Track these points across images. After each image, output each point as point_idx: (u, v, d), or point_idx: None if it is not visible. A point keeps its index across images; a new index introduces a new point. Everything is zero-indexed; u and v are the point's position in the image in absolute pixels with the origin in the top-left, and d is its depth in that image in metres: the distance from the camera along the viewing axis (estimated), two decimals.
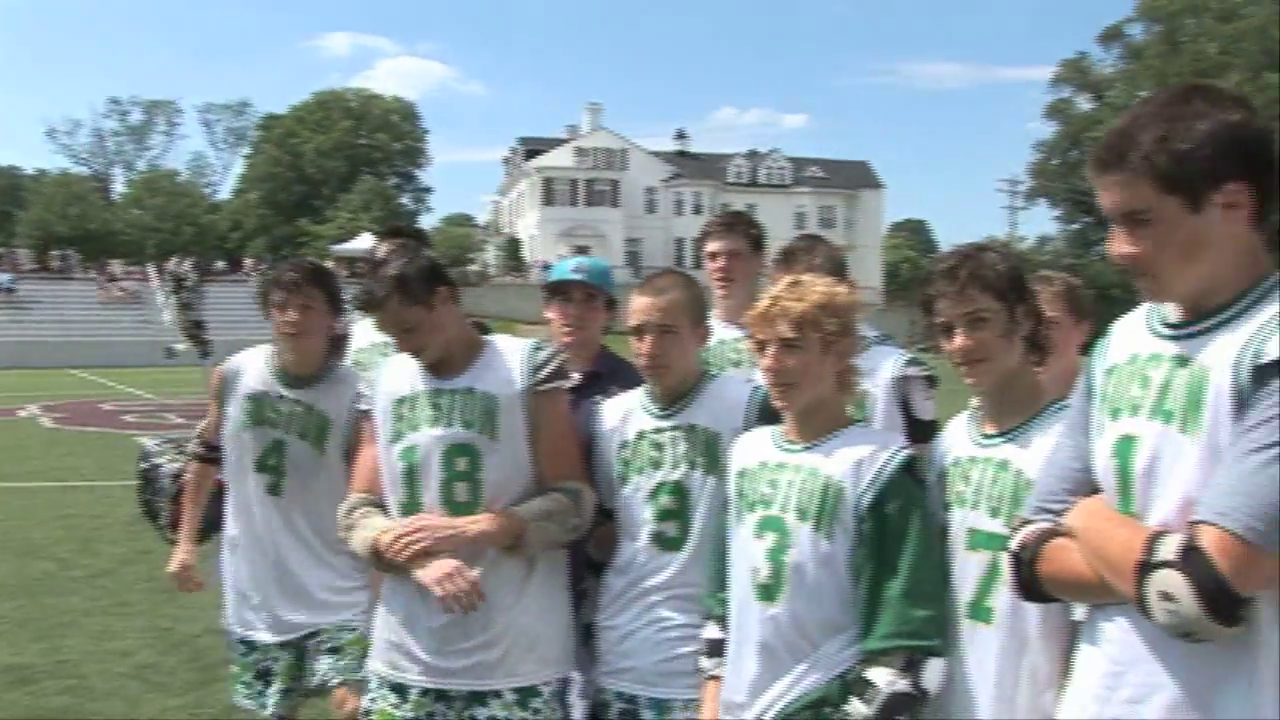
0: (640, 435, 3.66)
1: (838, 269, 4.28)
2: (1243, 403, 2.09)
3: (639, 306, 3.64)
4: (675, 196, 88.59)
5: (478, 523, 3.49)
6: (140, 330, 55.76)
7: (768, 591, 3.09)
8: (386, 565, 3.57)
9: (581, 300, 4.20)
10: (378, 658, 3.69)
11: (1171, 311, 2.33)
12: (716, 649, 3.31)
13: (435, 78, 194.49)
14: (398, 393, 3.67)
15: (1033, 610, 2.78)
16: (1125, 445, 2.31)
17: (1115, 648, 2.33)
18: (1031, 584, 2.48)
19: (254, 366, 4.49)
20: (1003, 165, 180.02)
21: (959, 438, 3.13)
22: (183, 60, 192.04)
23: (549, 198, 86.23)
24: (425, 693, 3.56)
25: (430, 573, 3.44)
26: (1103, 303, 3.82)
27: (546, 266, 65.80)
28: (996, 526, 2.85)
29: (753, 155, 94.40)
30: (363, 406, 3.85)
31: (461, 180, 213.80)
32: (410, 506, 3.58)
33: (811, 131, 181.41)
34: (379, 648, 3.69)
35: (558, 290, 4.24)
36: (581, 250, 76.98)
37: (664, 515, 3.58)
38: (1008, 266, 2.97)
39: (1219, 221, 2.18)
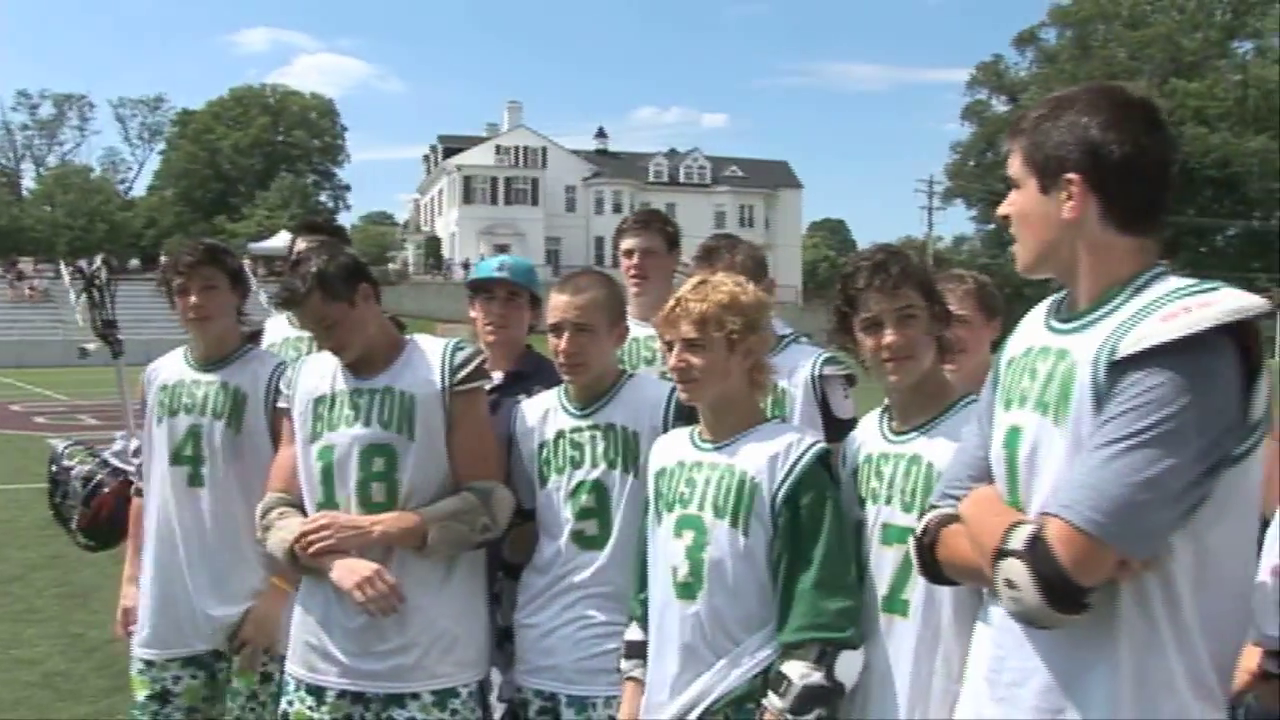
0: (559, 434, 3.66)
1: (757, 268, 4.31)
2: (1100, 398, 2.16)
3: (557, 305, 3.65)
4: (595, 195, 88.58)
5: (381, 522, 3.47)
6: (52, 330, 54.80)
7: (688, 590, 3.11)
8: (303, 568, 3.55)
9: (505, 299, 4.19)
10: (294, 660, 3.65)
11: (1065, 306, 2.40)
12: (636, 650, 3.32)
13: (355, 75, 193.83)
14: (316, 392, 3.65)
15: (946, 603, 2.85)
16: (1013, 435, 2.37)
17: (998, 633, 2.41)
18: (932, 567, 2.56)
19: (167, 364, 4.35)
20: (920, 166, 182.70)
21: (871, 434, 3.18)
22: (95, 53, 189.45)
23: (468, 196, 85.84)
24: (342, 695, 3.53)
25: (348, 577, 3.42)
26: (1017, 301, 3.87)
27: (466, 265, 65.69)
28: (910, 521, 2.88)
29: (673, 154, 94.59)
30: (281, 405, 3.80)
31: (380, 178, 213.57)
32: (327, 507, 3.55)
33: (731, 131, 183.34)
34: (295, 650, 3.65)
35: (481, 289, 4.23)
36: (501, 249, 76.71)
37: (584, 514, 3.58)
38: (923, 267, 3.08)
39: (1061, 208, 2.28)
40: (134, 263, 69.47)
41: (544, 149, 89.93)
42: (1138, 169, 2.25)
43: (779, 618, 3.04)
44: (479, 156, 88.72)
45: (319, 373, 3.69)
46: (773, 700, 2.96)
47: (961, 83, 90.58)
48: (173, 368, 4.30)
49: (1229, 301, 2.11)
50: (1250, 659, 2.91)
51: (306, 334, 5.03)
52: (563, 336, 3.60)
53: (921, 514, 2.75)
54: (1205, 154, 75.90)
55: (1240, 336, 2.12)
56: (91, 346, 4.28)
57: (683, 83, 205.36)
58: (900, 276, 2.97)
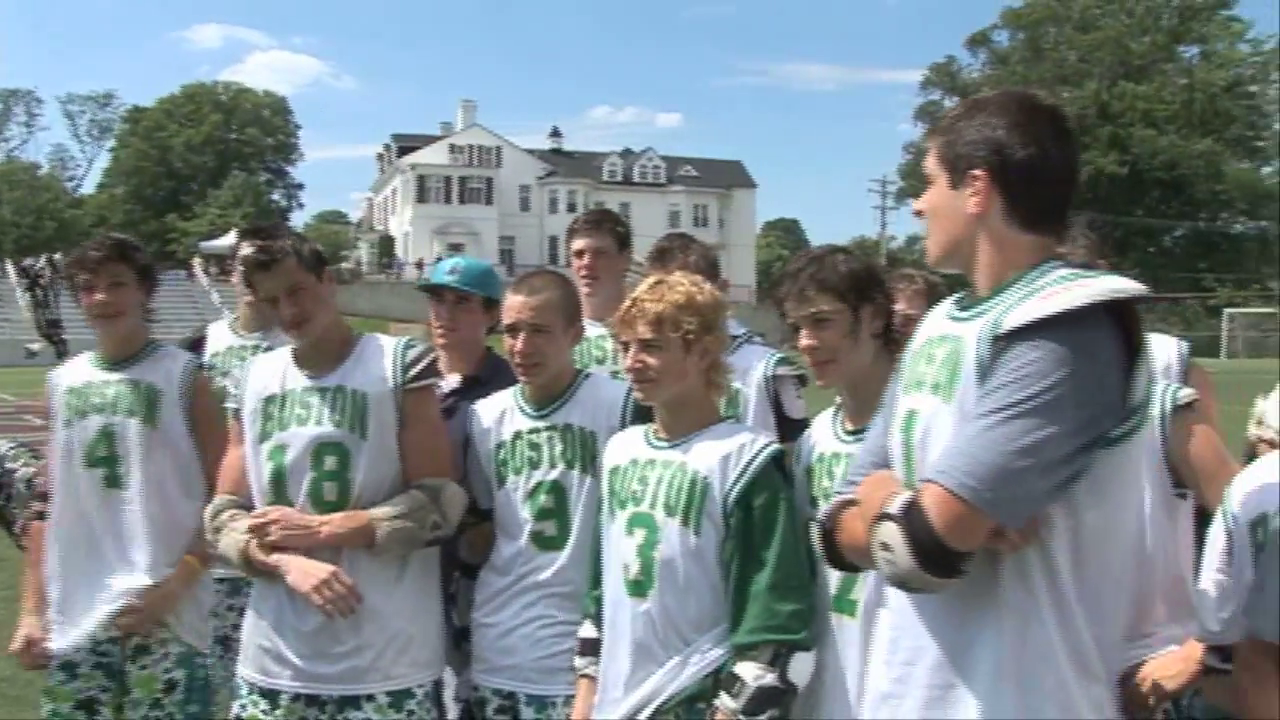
0: (517, 435, 3.66)
1: (711, 267, 4.33)
2: (983, 372, 2.24)
3: (512, 305, 3.65)
4: (550, 195, 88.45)
5: (330, 523, 3.45)
6: None
7: (639, 587, 3.12)
8: (255, 570, 3.52)
9: (453, 302, 4.17)
10: (247, 663, 3.62)
11: (966, 297, 2.49)
12: (590, 648, 3.33)
13: (308, 72, 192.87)
14: (267, 391, 3.62)
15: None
16: (910, 419, 2.45)
17: (893, 614, 2.48)
18: (835, 553, 2.61)
19: (72, 368, 4.26)
20: (874, 166, 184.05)
21: (824, 434, 3.23)
22: (43, 48, 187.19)
23: (422, 195, 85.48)
24: (296, 698, 3.51)
25: (305, 579, 3.41)
26: None
27: (420, 265, 65.46)
28: None
29: (627, 154, 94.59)
30: (231, 405, 3.77)
31: (334, 177, 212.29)
32: (280, 506, 3.52)
33: (685, 131, 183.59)
34: (248, 653, 3.62)
35: (431, 292, 4.22)
36: (455, 248, 76.53)
37: (543, 514, 3.59)
38: (850, 269, 3.12)
39: (966, 203, 2.38)
40: None
41: (498, 148, 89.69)
42: (1040, 170, 2.35)
43: (732, 619, 3.05)
44: (433, 155, 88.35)
45: (269, 372, 3.66)
46: (725, 701, 2.97)
47: (915, 84, 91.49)
48: (78, 370, 4.21)
49: (1107, 283, 2.22)
50: (1191, 655, 2.97)
51: (250, 342, 5.01)
52: (518, 337, 3.61)
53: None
54: (1153, 156, 76.96)
55: (1121, 320, 2.22)
56: (37, 346, 4.19)
57: (637, 82, 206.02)
58: (808, 282, 3.08)
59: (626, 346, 3.19)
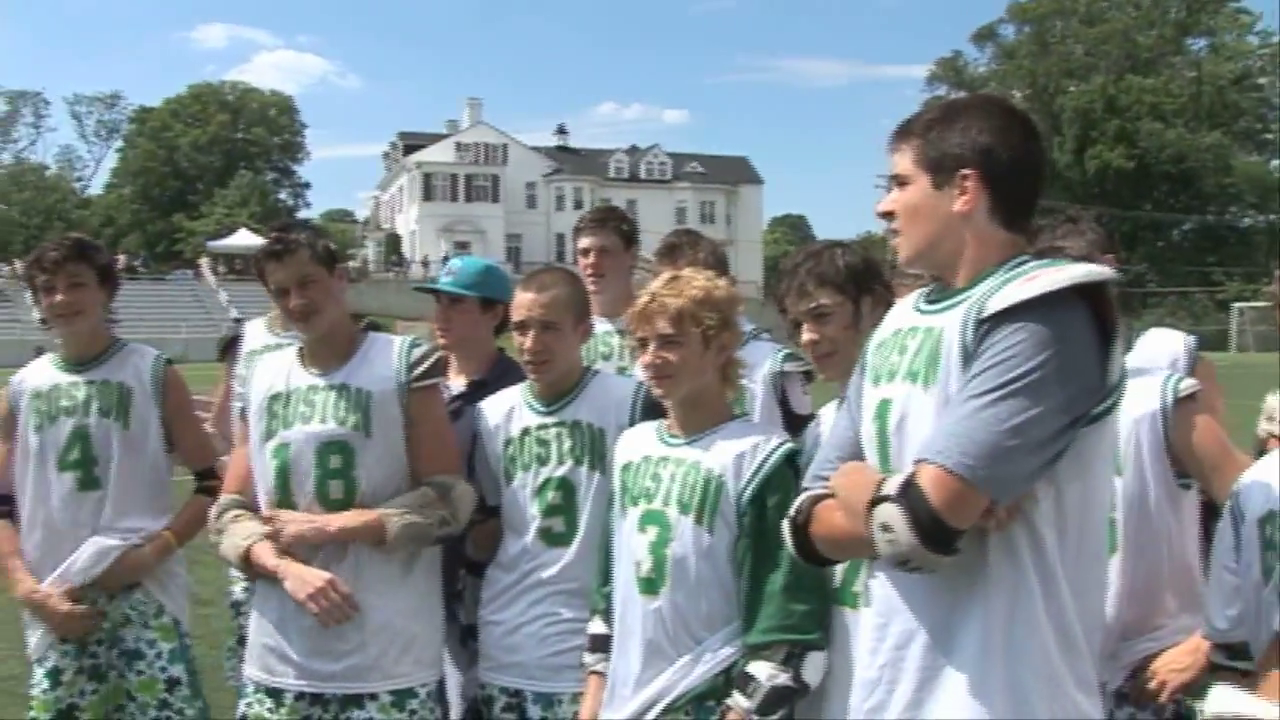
0: (525, 432, 3.66)
1: (719, 263, 4.33)
2: (967, 355, 2.31)
3: (521, 303, 3.65)
4: (556, 192, 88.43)
5: (340, 518, 3.46)
6: (8, 329, 54.20)
7: (650, 585, 3.11)
8: (256, 572, 3.53)
9: (447, 304, 4.17)
10: (252, 662, 3.62)
11: (933, 291, 2.55)
12: (599, 644, 3.33)
13: (314, 71, 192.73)
14: (272, 389, 3.62)
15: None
16: (883, 407, 2.50)
17: (879, 602, 2.50)
18: (806, 547, 2.61)
19: (35, 371, 4.23)
20: (881, 161, 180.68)
21: (828, 427, 3.19)
22: (50, 49, 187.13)
23: (429, 193, 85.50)
24: (300, 697, 3.51)
25: (301, 588, 3.41)
26: None
27: (425, 263, 65.44)
28: None
29: (633, 151, 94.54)
30: (238, 405, 3.77)
31: (340, 176, 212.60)
32: (284, 504, 3.54)
33: (692, 127, 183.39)
34: (253, 652, 3.63)
35: (432, 293, 4.24)
36: (462, 246, 76.59)
37: (551, 511, 3.58)
38: (848, 262, 3.15)
39: (952, 202, 2.44)
40: None
41: (504, 146, 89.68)
42: (1022, 170, 2.46)
43: (745, 618, 3.04)
44: (439, 153, 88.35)
45: (275, 371, 3.67)
46: (738, 700, 2.96)
47: (921, 78, 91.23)
48: (42, 374, 4.18)
49: (1082, 268, 2.33)
50: (1200, 646, 2.97)
51: (286, 341, 5.01)
52: (528, 335, 3.60)
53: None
54: (1161, 149, 76.71)
55: (1095, 304, 2.29)
56: (60, 343, 4.18)
57: (644, 79, 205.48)
58: (807, 277, 3.10)
59: (643, 343, 3.18)
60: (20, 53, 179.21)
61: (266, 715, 3.54)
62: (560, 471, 3.59)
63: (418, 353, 3.61)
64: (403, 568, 3.54)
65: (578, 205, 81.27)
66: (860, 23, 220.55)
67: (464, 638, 3.82)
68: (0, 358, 46.69)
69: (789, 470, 3.07)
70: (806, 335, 3.11)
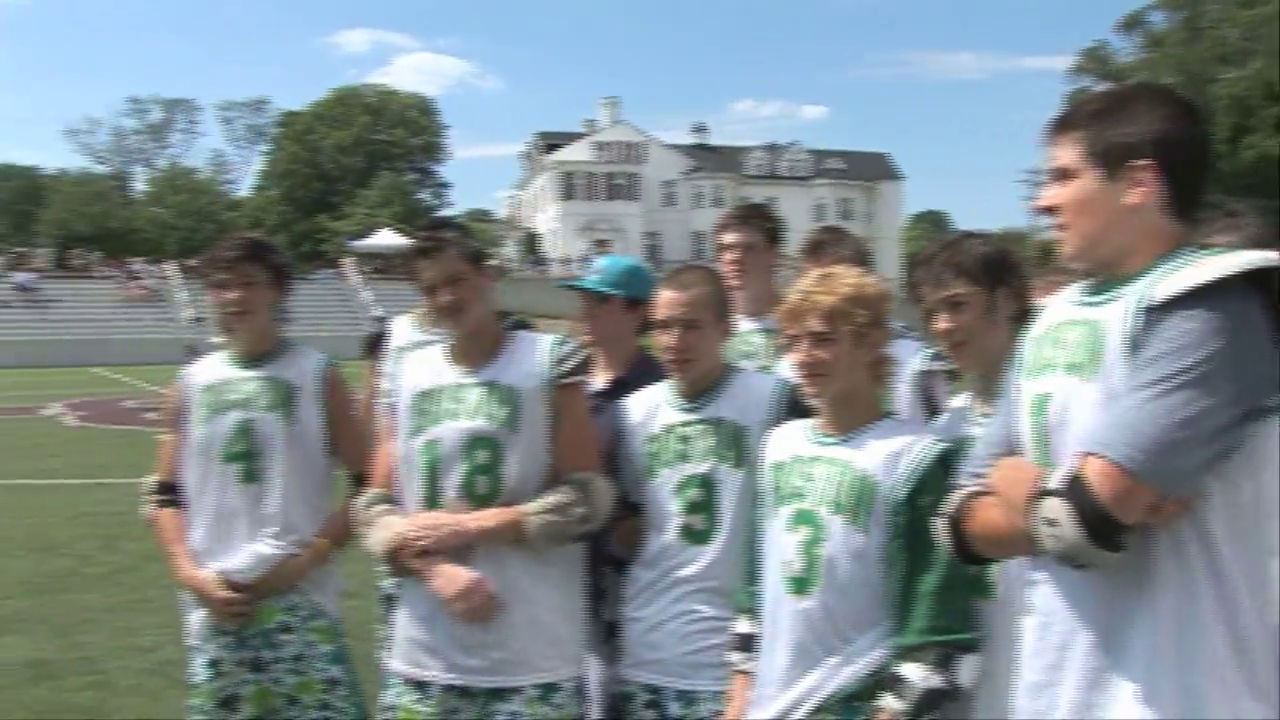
0: (667, 429, 3.66)
1: (863, 261, 4.29)
2: (1134, 344, 2.24)
3: (663, 301, 3.66)
4: (694, 190, 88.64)
5: (479, 519, 3.49)
6: (161, 328, 56.03)
7: (800, 585, 3.07)
8: (401, 569, 3.58)
9: (593, 302, 4.22)
10: (398, 655, 3.67)
11: (1092, 284, 2.48)
12: (745, 644, 3.30)
13: (454, 73, 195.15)
14: (420, 386, 3.67)
15: (1021, 581, 2.79)
16: (1040, 402, 2.44)
17: (1041, 601, 2.44)
18: (963, 545, 2.57)
19: (207, 365, 4.34)
20: (1023, 155, 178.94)
21: (960, 417, 3.22)
22: (201, 58, 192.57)
23: (568, 192, 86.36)
24: (446, 689, 3.54)
25: (448, 586, 3.46)
26: None
27: (566, 261, 65.97)
28: None
29: (772, 148, 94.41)
30: (386, 401, 3.82)
31: (480, 175, 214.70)
32: (431, 500, 3.57)
33: (831, 123, 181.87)
34: (399, 646, 3.68)
35: (577, 291, 4.28)
36: (601, 244, 77.18)
37: (692, 508, 3.57)
38: (985, 252, 3.12)
39: (1125, 195, 2.36)
40: None
41: (642, 144, 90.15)
42: (1196, 159, 2.40)
43: (899, 619, 2.99)
44: (578, 152, 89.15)
45: (424, 367, 3.71)
46: (890, 702, 2.92)
47: (1063, 70, 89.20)
48: (213, 368, 4.28)
49: (1256, 254, 2.22)
50: None
51: (432, 337, 5.08)
52: (670, 333, 3.61)
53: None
54: None
55: (1266, 294, 2.21)
56: (220, 340, 4.29)
57: (781, 75, 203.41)
58: (943, 266, 3.07)
59: (795, 341, 3.15)
60: (174, 62, 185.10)
61: (412, 707, 3.58)
62: (702, 469, 3.58)
63: (564, 350, 3.63)
64: (549, 564, 3.56)
65: (716, 203, 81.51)
66: (1000, 14, 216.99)
67: (607, 634, 3.83)
68: (153, 356, 48.45)
69: (942, 470, 3.01)
70: (941, 324, 3.09)
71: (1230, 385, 2.14)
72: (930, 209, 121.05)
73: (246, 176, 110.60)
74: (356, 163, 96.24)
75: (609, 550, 3.83)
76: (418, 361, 3.77)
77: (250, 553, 4.07)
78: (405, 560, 3.53)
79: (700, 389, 3.66)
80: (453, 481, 3.55)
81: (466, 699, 3.53)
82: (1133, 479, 2.13)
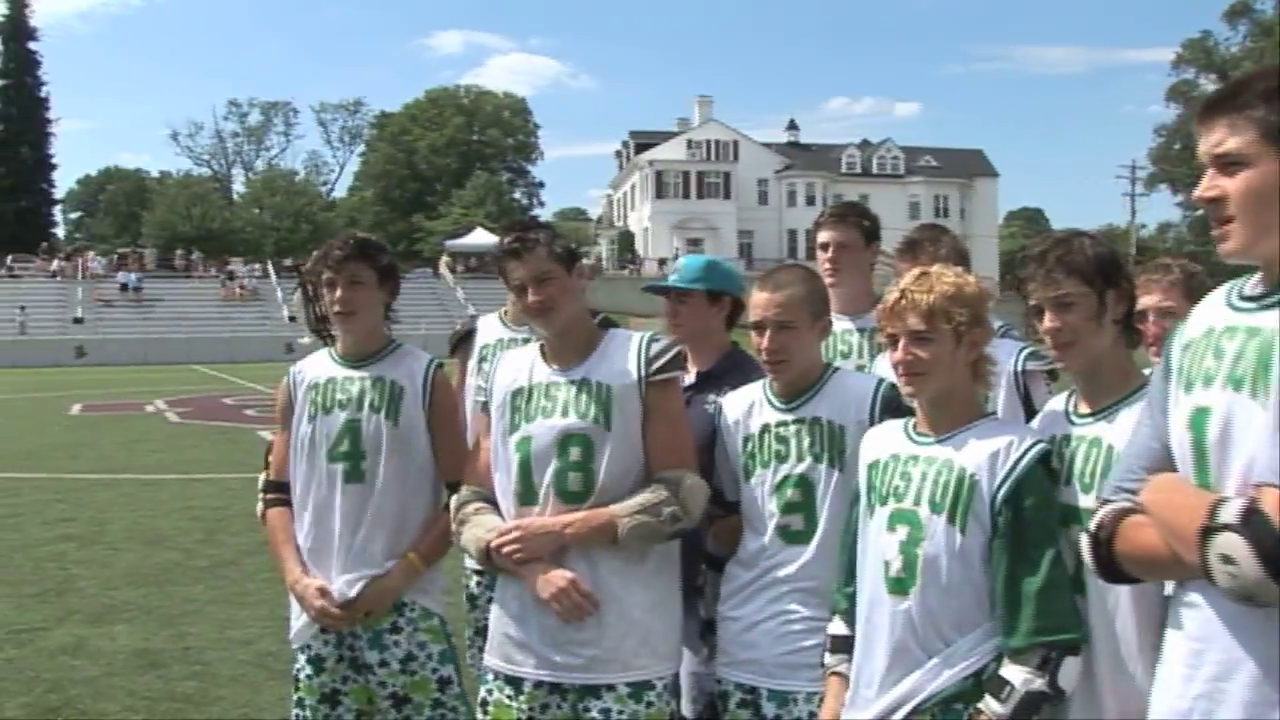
0: (764, 429, 3.65)
1: (961, 259, 4.26)
2: None
3: (757, 302, 3.65)
4: (788, 188, 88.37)
5: (572, 524, 3.49)
6: (260, 326, 57.15)
7: (900, 585, 3.05)
8: (496, 566, 3.61)
9: (675, 299, 4.23)
10: (493, 652, 3.70)
11: (1250, 286, 2.29)
12: (841, 645, 3.28)
13: (547, 73, 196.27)
14: (514, 385, 3.69)
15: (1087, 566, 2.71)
16: (1199, 416, 2.25)
17: (1195, 625, 2.26)
18: (1110, 564, 2.44)
19: (314, 363, 4.32)
20: (1122, 151, 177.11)
21: (1057, 417, 3.16)
22: (298, 61, 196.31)
23: (661, 190, 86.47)
24: (539, 685, 3.56)
25: (545, 587, 3.48)
26: None
27: (663, 261, 66.06)
28: (1089, 502, 2.86)
29: (865, 145, 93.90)
30: (480, 399, 3.86)
31: (573, 174, 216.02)
32: (525, 497, 3.59)
33: (924, 120, 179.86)
34: (494, 642, 3.70)
35: (661, 293, 4.31)
36: (694, 243, 77.25)
37: (789, 508, 3.56)
38: (1096, 252, 3.03)
39: None
40: None
41: (735, 142, 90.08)
42: None
43: (1003, 621, 2.95)
44: (670, 151, 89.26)
45: (517, 366, 3.74)
46: (992, 705, 2.88)
47: (1165, 62, 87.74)
48: (320, 366, 4.27)
49: None
50: None
51: (520, 335, 5.13)
52: (764, 334, 3.61)
53: (1099, 496, 2.76)
54: None
55: None
56: (305, 340, 4.30)
57: (874, 73, 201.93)
58: (1055, 265, 2.99)
59: (894, 340, 3.13)
60: (273, 65, 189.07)
61: (506, 702, 3.60)
62: (799, 469, 3.57)
63: (656, 347, 3.63)
64: (641, 562, 3.56)
65: (809, 201, 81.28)
66: (1098, 5, 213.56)
67: (703, 632, 3.83)
68: (252, 353, 49.26)
69: (1043, 470, 2.98)
70: (1048, 322, 3.02)
71: None
72: (1025, 206, 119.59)
73: (343, 177, 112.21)
74: (450, 163, 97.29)
75: (706, 549, 3.83)
76: (511, 360, 3.79)
77: (343, 581, 4.04)
78: (500, 560, 3.55)
79: (798, 389, 3.64)
80: (546, 478, 3.56)
81: (558, 695, 3.55)
82: None
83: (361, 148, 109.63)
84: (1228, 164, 2.22)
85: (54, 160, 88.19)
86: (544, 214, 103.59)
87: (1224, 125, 2.22)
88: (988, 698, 2.90)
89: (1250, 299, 2.27)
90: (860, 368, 4.43)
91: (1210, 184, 2.25)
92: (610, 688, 3.51)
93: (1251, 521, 2.01)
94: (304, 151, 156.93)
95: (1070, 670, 2.86)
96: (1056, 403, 3.21)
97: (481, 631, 4.73)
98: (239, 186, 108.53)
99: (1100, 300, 2.99)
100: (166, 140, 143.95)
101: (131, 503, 13.84)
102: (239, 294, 63.25)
